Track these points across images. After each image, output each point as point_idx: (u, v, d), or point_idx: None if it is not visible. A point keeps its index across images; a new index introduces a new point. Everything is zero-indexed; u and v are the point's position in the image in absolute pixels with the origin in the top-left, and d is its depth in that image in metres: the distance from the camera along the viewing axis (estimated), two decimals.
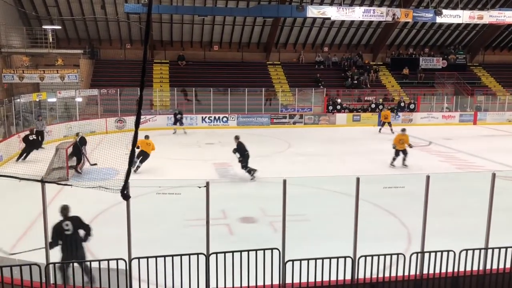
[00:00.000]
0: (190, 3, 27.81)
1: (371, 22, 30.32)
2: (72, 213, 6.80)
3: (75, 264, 6.26)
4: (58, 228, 6.62)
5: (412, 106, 28.53)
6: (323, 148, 20.10)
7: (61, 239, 6.61)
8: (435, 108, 29.74)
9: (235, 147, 14.11)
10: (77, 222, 6.76)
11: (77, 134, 15.93)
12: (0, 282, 5.72)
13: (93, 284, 6.14)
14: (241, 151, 13.97)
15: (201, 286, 6.12)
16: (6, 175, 6.38)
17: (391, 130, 23.72)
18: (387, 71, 33.40)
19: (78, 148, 14.74)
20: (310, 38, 32.66)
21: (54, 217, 6.62)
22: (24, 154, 16.29)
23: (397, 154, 15.72)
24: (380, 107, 28.05)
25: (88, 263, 6.42)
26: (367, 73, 31.93)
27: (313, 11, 25.75)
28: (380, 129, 24.73)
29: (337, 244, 7.22)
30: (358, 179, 6.25)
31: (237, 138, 14.29)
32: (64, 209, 6.80)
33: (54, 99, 22.46)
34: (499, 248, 6.61)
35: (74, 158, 14.73)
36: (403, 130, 16.10)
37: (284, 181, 6.12)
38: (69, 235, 6.64)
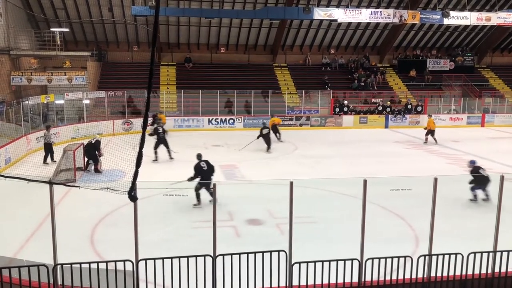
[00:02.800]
0: (197, 6, 27.91)
1: (378, 24, 30.21)
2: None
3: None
4: (197, 166, 11.08)
5: (419, 108, 28.38)
6: (330, 150, 20.06)
7: (200, 173, 10.86)
8: (442, 110, 29.56)
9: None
10: (209, 163, 11.31)
11: (94, 138, 15.48)
12: (9, 282, 5.77)
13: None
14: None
15: None
16: (15, 177, 6.42)
17: (435, 139, 21.12)
18: (394, 73, 33.27)
19: (94, 149, 14.86)
20: (316, 40, 32.64)
21: (62, 218, 6.66)
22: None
23: None
24: (388, 109, 27.94)
25: None
26: (374, 75, 31.82)
27: (319, 13, 25.72)
28: (426, 139, 21.41)
29: (344, 246, 7.20)
30: (365, 181, 6.23)
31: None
32: (199, 156, 11.44)
33: (62, 101, 22.62)
34: (508, 251, 6.56)
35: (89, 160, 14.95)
36: None
37: (291, 183, 6.12)
38: (205, 170, 11.04)
